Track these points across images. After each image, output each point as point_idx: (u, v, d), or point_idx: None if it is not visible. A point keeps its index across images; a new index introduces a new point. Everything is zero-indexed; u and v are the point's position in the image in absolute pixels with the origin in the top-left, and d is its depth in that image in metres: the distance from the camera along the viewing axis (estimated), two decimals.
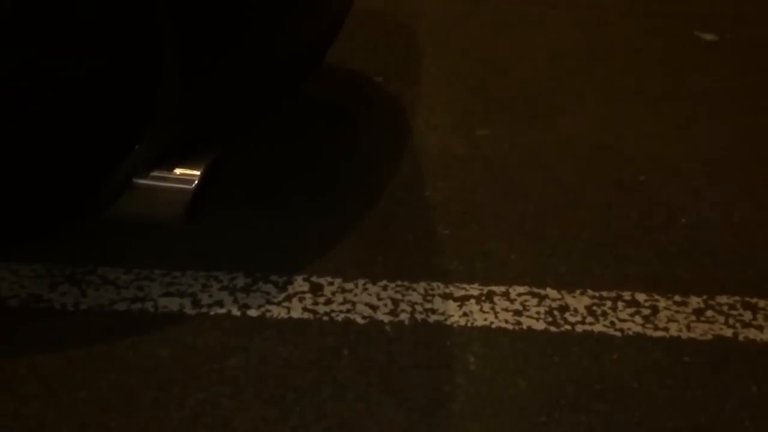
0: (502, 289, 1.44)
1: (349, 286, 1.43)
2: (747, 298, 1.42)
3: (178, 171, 1.18)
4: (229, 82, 1.27)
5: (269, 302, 1.39)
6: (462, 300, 1.41)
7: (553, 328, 1.35)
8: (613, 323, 1.37)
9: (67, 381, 1.22)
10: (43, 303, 1.37)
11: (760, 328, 1.36)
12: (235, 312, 1.37)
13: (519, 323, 1.36)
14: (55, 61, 1.07)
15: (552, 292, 1.43)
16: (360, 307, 1.39)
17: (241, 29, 1.25)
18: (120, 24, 1.09)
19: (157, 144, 1.18)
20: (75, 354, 1.27)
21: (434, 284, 1.44)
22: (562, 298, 1.42)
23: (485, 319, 1.37)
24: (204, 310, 1.37)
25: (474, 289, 1.44)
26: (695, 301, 1.41)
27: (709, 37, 2.40)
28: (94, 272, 1.44)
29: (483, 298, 1.42)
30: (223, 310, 1.37)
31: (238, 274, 1.44)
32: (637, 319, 1.38)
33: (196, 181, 1.17)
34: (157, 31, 1.12)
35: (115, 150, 1.15)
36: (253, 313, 1.37)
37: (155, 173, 1.17)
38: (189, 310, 1.36)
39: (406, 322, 1.36)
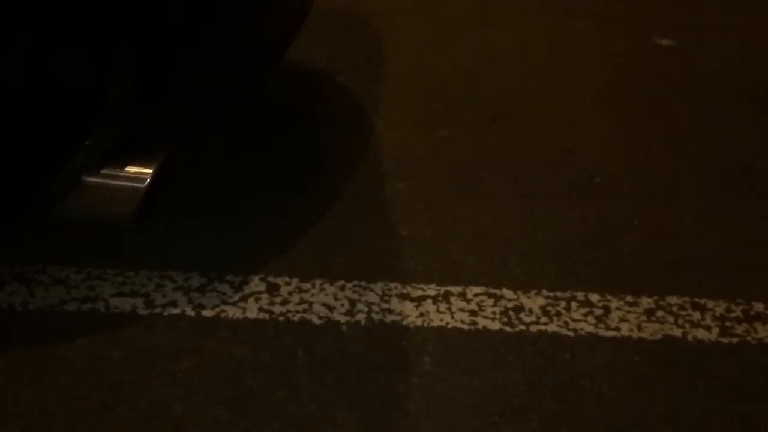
0: (459, 289, 1.45)
1: (306, 286, 1.43)
2: (696, 299, 1.45)
3: (129, 169, 1.16)
4: (183, 80, 1.25)
5: (224, 302, 1.37)
6: (419, 300, 1.41)
7: (508, 328, 1.37)
8: (566, 323, 1.38)
9: (13, 383, 1.19)
10: None
11: (708, 329, 1.39)
12: (190, 312, 1.35)
13: (475, 323, 1.37)
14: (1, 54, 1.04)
15: (508, 293, 1.45)
16: (317, 307, 1.38)
17: (196, 28, 1.24)
18: (71, 21, 1.07)
19: (107, 140, 1.15)
20: (21, 355, 1.24)
21: (391, 284, 1.44)
22: (518, 298, 1.43)
23: (441, 320, 1.38)
24: (157, 310, 1.35)
25: (431, 290, 1.44)
26: (646, 302, 1.44)
27: (666, 42, 2.45)
28: (43, 271, 1.40)
29: (440, 298, 1.42)
30: (177, 311, 1.35)
31: (193, 274, 1.43)
32: (590, 319, 1.40)
33: (148, 180, 1.15)
34: (109, 27, 1.10)
35: (63, 145, 1.12)
36: (207, 313, 1.35)
37: (106, 171, 1.15)
38: (142, 311, 1.34)
39: (363, 323, 1.36)
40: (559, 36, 2.45)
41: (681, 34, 2.49)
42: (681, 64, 2.33)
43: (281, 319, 1.35)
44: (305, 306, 1.38)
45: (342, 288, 1.43)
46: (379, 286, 1.44)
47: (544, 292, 1.45)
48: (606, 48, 2.40)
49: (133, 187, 1.15)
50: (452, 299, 1.42)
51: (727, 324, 1.41)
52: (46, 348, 1.25)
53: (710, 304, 1.45)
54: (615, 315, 1.41)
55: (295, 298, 1.40)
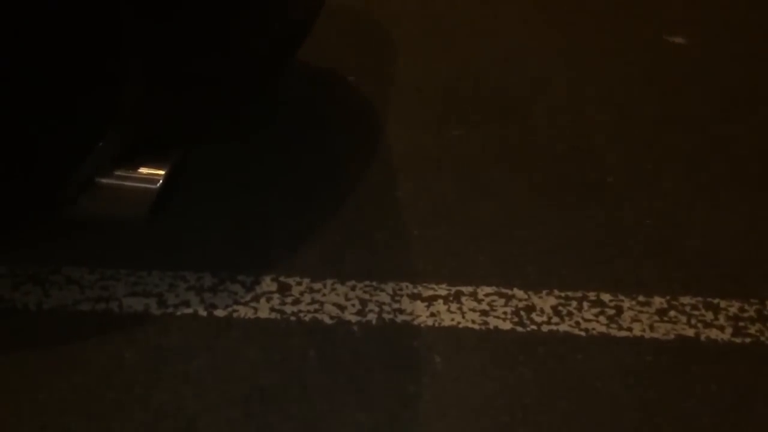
0: (470, 289, 1.45)
1: (318, 286, 1.43)
2: (709, 299, 1.45)
3: (142, 170, 1.17)
4: (195, 82, 1.26)
5: (236, 302, 1.38)
6: (430, 300, 1.41)
7: (519, 328, 1.36)
8: (578, 323, 1.38)
9: (28, 382, 1.20)
10: (4, 303, 1.35)
11: (722, 328, 1.38)
12: (202, 312, 1.36)
13: (486, 323, 1.37)
14: (15, 56, 1.05)
15: (519, 293, 1.44)
16: (328, 307, 1.38)
17: (207, 29, 1.24)
18: (83, 22, 1.08)
19: (120, 142, 1.16)
20: (36, 355, 1.25)
21: (402, 284, 1.45)
22: (529, 298, 1.43)
23: (452, 319, 1.38)
24: (170, 310, 1.36)
25: (442, 289, 1.44)
26: (659, 302, 1.43)
27: (677, 40, 2.44)
28: (58, 272, 1.41)
29: (451, 298, 1.42)
30: (189, 310, 1.36)
31: (205, 274, 1.43)
32: (602, 319, 1.39)
33: (161, 181, 1.15)
34: (121, 29, 1.11)
35: (77, 146, 1.13)
36: (219, 313, 1.36)
37: (119, 172, 1.16)
38: (154, 311, 1.35)
39: (374, 323, 1.36)
40: (571, 34, 2.44)
41: (692, 32, 2.47)
42: (692, 62, 2.31)
43: (293, 319, 1.36)
44: (316, 306, 1.38)
45: (353, 288, 1.43)
46: (390, 286, 1.44)
47: (556, 292, 1.45)
48: (618, 46, 2.38)
49: (146, 188, 1.16)
50: (463, 299, 1.42)
51: (741, 324, 1.40)
52: (60, 348, 1.26)
53: (723, 303, 1.44)
54: (627, 315, 1.40)
55: (307, 298, 1.40)
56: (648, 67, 2.28)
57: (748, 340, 1.36)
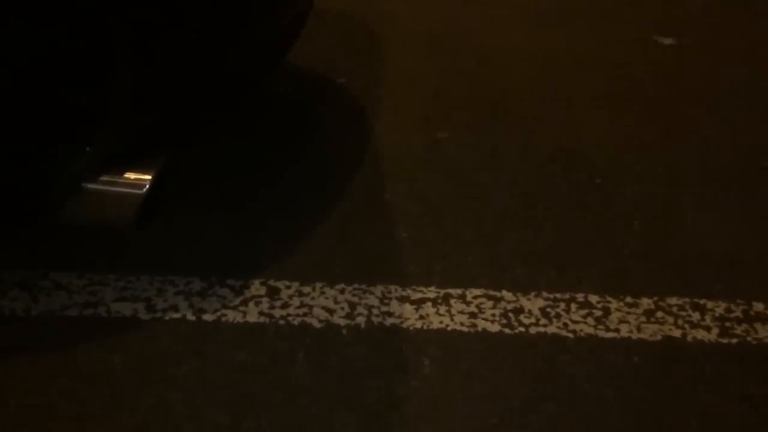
0: (459, 291, 1.45)
1: (307, 289, 1.43)
2: (696, 300, 1.45)
3: (128, 175, 1.16)
4: (183, 85, 1.26)
5: (225, 306, 1.38)
6: (419, 303, 1.42)
7: (507, 330, 1.37)
8: (566, 325, 1.39)
9: (16, 388, 1.20)
10: None
11: (708, 329, 1.39)
12: (190, 317, 1.36)
13: (474, 325, 1.38)
14: (3, 61, 1.05)
15: (507, 295, 1.45)
16: (317, 311, 1.39)
17: (196, 32, 1.24)
18: (73, 29, 1.07)
19: (107, 146, 1.16)
20: (24, 361, 1.24)
21: (391, 287, 1.45)
22: (517, 300, 1.44)
23: (441, 322, 1.38)
24: (158, 315, 1.35)
25: (431, 292, 1.45)
26: (646, 303, 1.44)
27: (667, 41, 2.45)
28: (46, 277, 1.41)
29: (439, 300, 1.43)
30: (177, 315, 1.36)
31: (194, 279, 1.43)
32: (590, 320, 1.40)
33: (147, 186, 1.15)
34: (109, 31, 1.10)
35: (63, 152, 1.13)
36: (208, 317, 1.36)
37: (105, 177, 1.16)
38: (143, 315, 1.35)
39: (363, 326, 1.36)
40: (561, 36, 2.45)
41: (682, 33, 2.48)
42: (682, 63, 2.32)
43: (281, 322, 1.36)
44: (305, 309, 1.39)
45: (342, 291, 1.43)
46: (378, 289, 1.44)
47: (544, 294, 1.45)
48: (607, 47, 2.39)
49: (132, 193, 1.15)
50: (452, 301, 1.42)
51: (727, 324, 1.40)
52: (48, 353, 1.26)
53: (710, 304, 1.45)
54: (615, 316, 1.41)
55: (296, 301, 1.40)
56: (638, 68, 2.29)
57: (734, 340, 1.37)
